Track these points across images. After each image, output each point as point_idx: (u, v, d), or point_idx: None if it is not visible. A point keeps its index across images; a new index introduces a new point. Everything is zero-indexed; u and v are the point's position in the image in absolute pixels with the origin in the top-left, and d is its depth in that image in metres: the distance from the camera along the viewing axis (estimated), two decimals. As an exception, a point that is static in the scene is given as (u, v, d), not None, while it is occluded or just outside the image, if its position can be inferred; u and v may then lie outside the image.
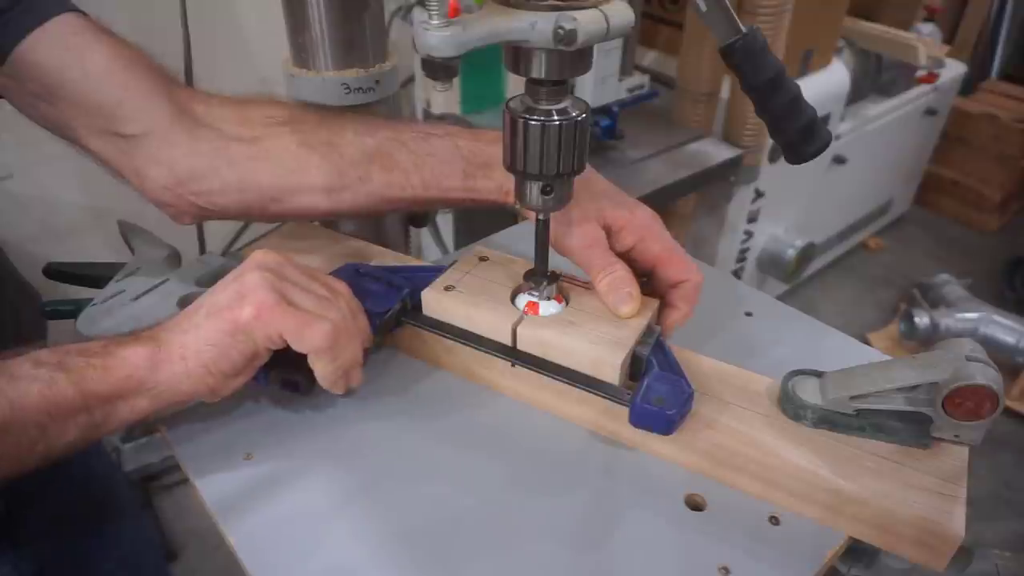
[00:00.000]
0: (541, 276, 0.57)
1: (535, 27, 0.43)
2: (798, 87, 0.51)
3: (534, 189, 0.52)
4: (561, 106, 0.48)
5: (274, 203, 0.63)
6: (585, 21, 0.43)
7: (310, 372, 0.53)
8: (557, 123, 0.48)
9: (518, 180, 0.53)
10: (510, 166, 0.51)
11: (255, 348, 0.50)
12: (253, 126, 0.61)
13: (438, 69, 0.44)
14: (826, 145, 0.52)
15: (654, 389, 0.51)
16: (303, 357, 0.52)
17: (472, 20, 0.43)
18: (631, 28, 0.46)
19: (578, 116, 0.48)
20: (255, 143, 0.61)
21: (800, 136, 0.51)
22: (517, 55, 0.46)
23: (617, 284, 0.56)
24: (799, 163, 0.53)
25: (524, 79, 0.48)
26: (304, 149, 0.61)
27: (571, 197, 0.54)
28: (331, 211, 0.65)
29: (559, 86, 0.48)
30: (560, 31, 0.42)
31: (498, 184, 0.62)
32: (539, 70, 0.46)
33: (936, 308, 2.16)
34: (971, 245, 2.72)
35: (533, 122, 0.48)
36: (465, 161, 0.62)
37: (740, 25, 0.49)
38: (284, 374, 0.55)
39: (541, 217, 0.54)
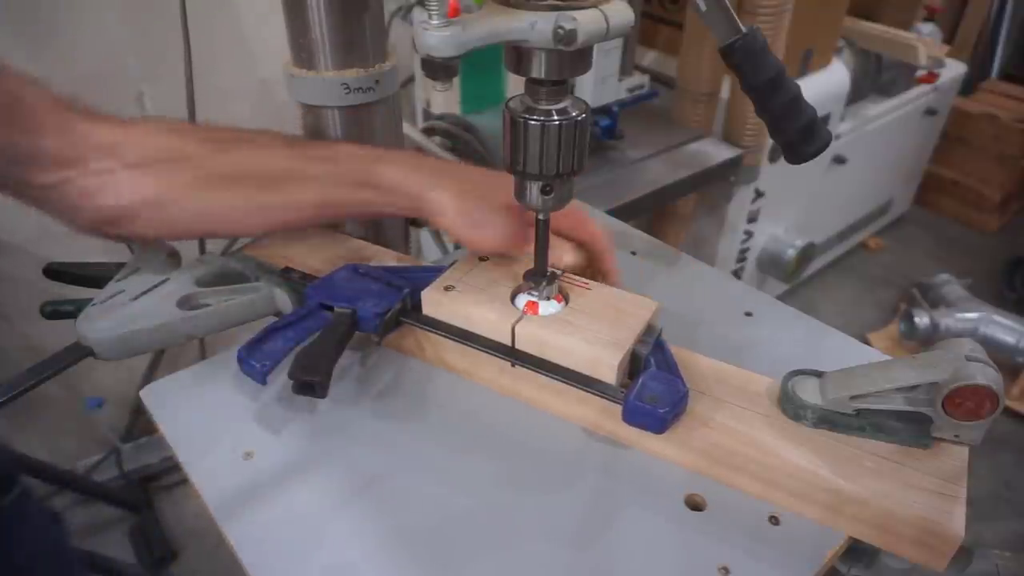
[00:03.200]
0: (541, 276, 0.57)
1: (535, 27, 0.43)
2: (798, 87, 0.51)
3: (534, 189, 0.52)
4: (561, 106, 0.48)
5: (189, 232, 0.64)
6: (585, 21, 0.43)
7: (327, 375, 0.53)
8: (557, 123, 0.48)
9: (518, 180, 0.53)
10: (510, 166, 0.51)
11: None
12: (154, 158, 0.60)
13: (438, 69, 0.44)
14: (826, 145, 0.52)
15: (648, 387, 0.51)
16: (320, 360, 0.52)
17: (472, 20, 0.43)
18: (631, 28, 0.46)
19: (578, 116, 0.49)
20: (159, 177, 0.59)
21: (800, 136, 0.51)
22: (517, 55, 0.46)
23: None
24: (799, 163, 0.53)
25: (524, 79, 0.48)
26: (205, 183, 0.61)
27: (571, 197, 0.54)
28: (239, 234, 0.68)
29: (559, 86, 0.48)
30: (560, 31, 0.42)
31: (389, 200, 0.63)
32: (539, 70, 0.46)
33: (936, 308, 2.16)
34: (971, 245, 2.72)
35: (533, 122, 0.48)
36: (355, 180, 0.63)
37: (740, 25, 0.49)
38: (302, 376, 0.53)
39: (541, 217, 0.55)
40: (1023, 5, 2.71)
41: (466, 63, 0.44)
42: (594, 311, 0.57)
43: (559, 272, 0.59)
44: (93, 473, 1.73)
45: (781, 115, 0.52)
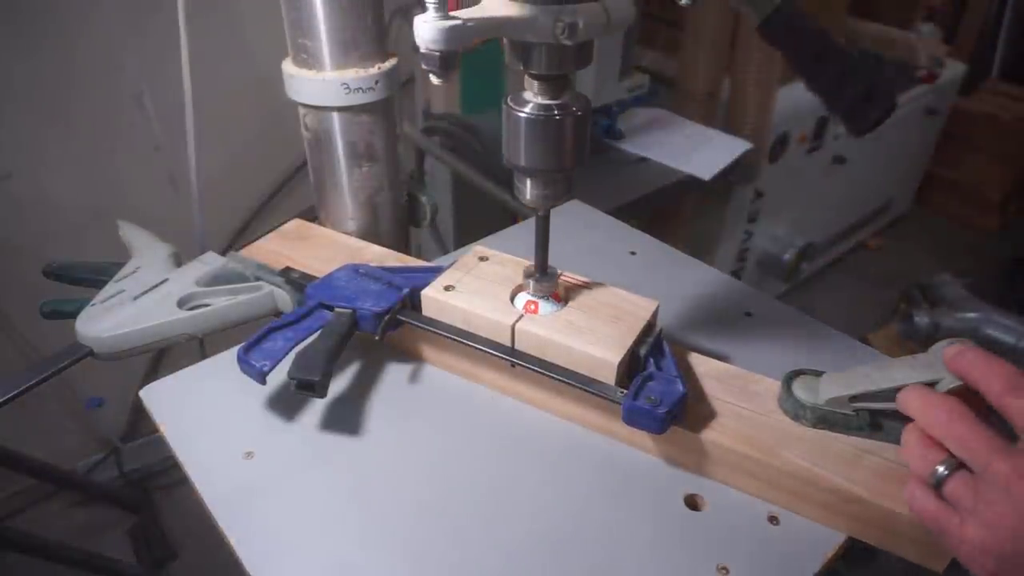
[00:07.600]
0: (540, 273, 0.57)
1: (536, 20, 0.43)
2: (848, 56, 0.49)
3: (533, 185, 0.51)
4: (561, 101, 0.48)
5: None
6: (586, 15, 0.42)
7: (326, 375, 0.53)
8: (557, 118, 0.47)
9: (517, 176, 0.52)
10: (508, 160, 0.50)
11: None
12: None
13: (436, 62, 0.43)
14: (887, 114, 0.49)
15: (647, 388, 0.51)
16: (320, 359, 0.52)
17: (472, 13, 0.42)
18: (632, 22, 0.45)
19: (578, 111, 0.48)
20: None
21: (855, 107, 0.49)
22: (517, 48, 0.45)
23: None
24: (859, 135, 0.51)
25: (524, 74, 0.47)
26: None
27: (569, 193, 0.53)
28: None
29: (559, 80, 0.47)
30: (561, 25, 0.42)
31: None
32: (539, 64, 0.45)
33: (936, 308, 2.15)
34: (971, 245, 2.72)
35: (532, 117, 0.47)
36: None
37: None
38: (302, 375, 0.53)
39: (540, 214, 0.54)
40: (1023, 5, 2.71)
41: (466, 63, 0.44)
42: (594, 311, 0.56)
43: (558, 271, 0.58)
44: (93, 473, 1.72)
45: (828, 89, 0.49)
